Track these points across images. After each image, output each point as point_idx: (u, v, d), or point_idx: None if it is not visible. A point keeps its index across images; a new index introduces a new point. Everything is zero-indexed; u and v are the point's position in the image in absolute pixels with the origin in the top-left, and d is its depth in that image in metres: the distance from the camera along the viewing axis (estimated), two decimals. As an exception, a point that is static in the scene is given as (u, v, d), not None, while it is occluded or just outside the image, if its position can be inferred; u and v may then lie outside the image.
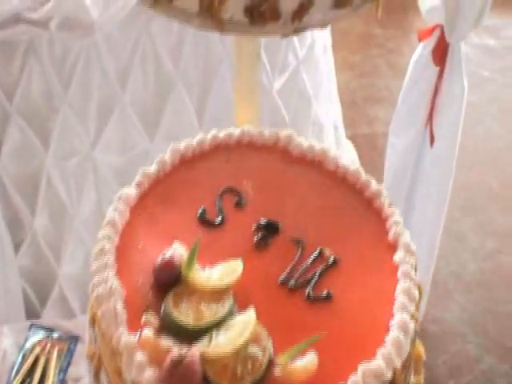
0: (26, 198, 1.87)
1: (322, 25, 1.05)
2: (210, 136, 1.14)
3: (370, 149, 2.32)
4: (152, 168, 1.10)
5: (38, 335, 1.82)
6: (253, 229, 1.05)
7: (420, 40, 1.80)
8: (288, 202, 1.09)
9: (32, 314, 1.93)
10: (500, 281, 2.11)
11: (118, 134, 1.83)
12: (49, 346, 1.77)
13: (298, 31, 1.01)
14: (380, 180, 1.89)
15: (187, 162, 1.13)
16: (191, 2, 1.01)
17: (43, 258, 1.93)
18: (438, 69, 1.76)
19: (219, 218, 1.05)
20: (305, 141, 1.13)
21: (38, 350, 1.76)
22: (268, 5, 0.97)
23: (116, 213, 1.03)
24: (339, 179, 1.11)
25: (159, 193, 1.09)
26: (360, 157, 2.28)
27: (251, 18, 0.98)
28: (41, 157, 1.83)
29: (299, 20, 0.99)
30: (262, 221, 1.05)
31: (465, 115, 1.72)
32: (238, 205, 1.07)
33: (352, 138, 2.32)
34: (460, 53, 1.72)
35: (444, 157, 1.85)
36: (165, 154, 1.12)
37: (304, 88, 1.93)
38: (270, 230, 1.05)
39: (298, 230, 1.05)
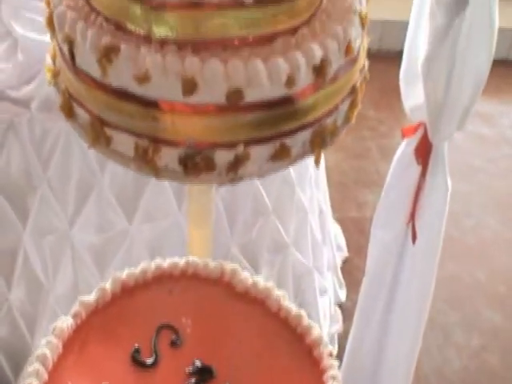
0: (3, 270, 1.87)
1: (259, 176, 1.02)
2: (153, 265, 1.11)
3: (358, 233, 2.28)
4: (91, 297, 1.08)
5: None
6: (186, 372, 1.01)
7: (403, 137, 1.76)
8: (226, 343, 1.05)
9: (5, 384, 1.93)
10: (484, 380, 2.03)
11: (96, 213, 1.82)
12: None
13: (234, 181, 0.98)
14: (364, 266, 1.87)
15: (128, 292, 1.10)
16: (127, 147, 0.99)
17: (18, 331, 1.92)
18: (420, 167, 1.73)
19: (152, 359, 1.02)
20: (249, 276, 1.10)
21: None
22: (202, 156, 0.95)
23: (47, 347, 1.01)
24: (281, 321, 1.07)
25: (96, 325, 1.06)
26: (347, 241, 2.24)
27: (185, 167, 0.96)
28: (18, 232, 1.83)
29: (235, 172, 0.96)
30: (197, 364, 1.02)
31: (453, 205, 1.67)
32: (174, 344, 1.04)
33: (340, 220, 2.29)
34: (444, 153, 1.69)
35: (427, 255, 1.80)
36: (106, 282, 1.09)
37: (287, 174, 1.90)
38: (204, 374, 1.01)
39: (232, 376, 1.01)
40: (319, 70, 0.96)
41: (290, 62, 0.93)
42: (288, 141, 0.99)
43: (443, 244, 1.77)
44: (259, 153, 0.98)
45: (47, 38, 1.64)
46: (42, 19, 1.86)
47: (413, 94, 1.70)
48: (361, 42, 1.04)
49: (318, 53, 0.95)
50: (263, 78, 0.92)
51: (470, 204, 2.49)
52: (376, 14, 3.27)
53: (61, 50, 1.03)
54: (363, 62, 1.09)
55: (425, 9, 1.53)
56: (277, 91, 0.95)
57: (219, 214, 1.80)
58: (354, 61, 1.04)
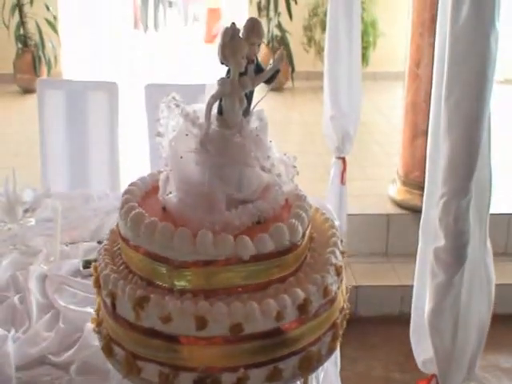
0: None
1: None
2: None
3: None
4: None
5: None
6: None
7: (417, 392, 2.04)
8: None
9: None
10: None
11: None
12: None
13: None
14: None
15: None
16: (153, 374, 1.35)
17: None
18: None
19: None
20: None
21: None
22: (212, 379, 1.31)
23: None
24: None
25: None
26: None
27: (199, 389, 1.33)
28: None
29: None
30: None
31: None
32: None
33: None
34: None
35: None
36: None
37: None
38: None
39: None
40: (302, 308, 1.34)
41: (279, 303, 1.33)
42: (280, 365, 1.34)
43: None
44: (257, 375, 1.33)
45: (87, 309, 2.07)
46: (82, 293, 2.33)
47: (423, 349, 2.00)
48: (338, 287, 1.44)
49: (301, 295, 1.34)
50: (257, 314, 1.31)
51: None
52: (393, 255, 3.81)
53: (104, 302, 1.44)
54: (342, 303, 1.48)
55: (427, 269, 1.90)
56: (268, 324, 1.33)
57: None
58: (333, 301, 1.42)
